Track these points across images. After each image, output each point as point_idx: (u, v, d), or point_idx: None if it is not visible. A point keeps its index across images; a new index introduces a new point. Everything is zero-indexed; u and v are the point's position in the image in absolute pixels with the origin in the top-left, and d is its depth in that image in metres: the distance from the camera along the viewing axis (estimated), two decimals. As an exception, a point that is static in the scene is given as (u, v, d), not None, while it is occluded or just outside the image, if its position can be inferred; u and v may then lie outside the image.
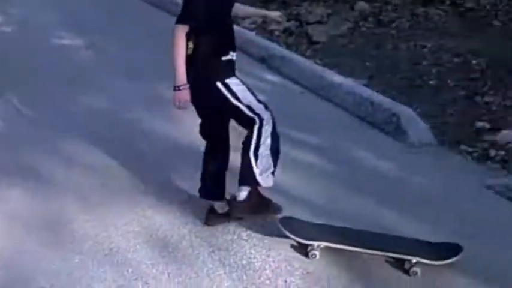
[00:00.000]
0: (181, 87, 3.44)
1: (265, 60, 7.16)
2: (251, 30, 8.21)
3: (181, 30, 3.38)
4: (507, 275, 3.35)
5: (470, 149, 4.82)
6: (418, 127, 5.14)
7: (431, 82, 6.19)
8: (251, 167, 3.51)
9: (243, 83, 3.59)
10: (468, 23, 7.37)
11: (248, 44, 7.59)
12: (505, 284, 3.30)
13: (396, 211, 3.94)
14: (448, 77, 6.22)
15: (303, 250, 3.54)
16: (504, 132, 4.98)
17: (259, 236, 3.73)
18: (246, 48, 7.57)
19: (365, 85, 6.12)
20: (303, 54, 7.23)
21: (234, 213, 3.75)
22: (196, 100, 3.54)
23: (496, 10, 7.70)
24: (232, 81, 3.52)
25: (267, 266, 3.45)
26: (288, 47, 7.56)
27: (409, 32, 7.57)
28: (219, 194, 3.83)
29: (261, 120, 3.49)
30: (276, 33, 8.04)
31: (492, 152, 4.74)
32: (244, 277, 3.36)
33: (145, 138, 5.14)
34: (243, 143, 3.56)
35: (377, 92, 5.83)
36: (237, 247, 3.63)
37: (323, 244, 3.47)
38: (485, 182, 4.27)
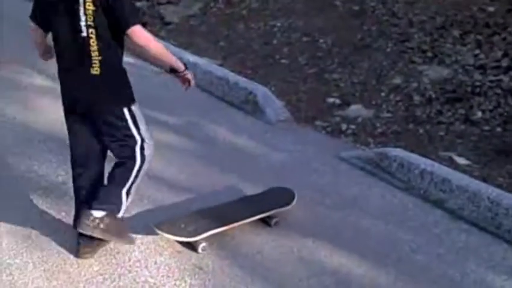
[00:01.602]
0: (185, 70, 3.30)
1: (119, 41, 7.02)
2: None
3: (142, 29, 3.05)
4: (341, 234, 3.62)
5: (324, 124, 5.09)
6: (274, 105, 5.33)
7: (282, 61, 6.41)
8: (121, 201, 3.26)
9: None
10: (313, 2, 7.67)
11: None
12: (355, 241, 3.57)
13: (257, 185, 4.06)
14: (298, 55, 6.47)
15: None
16: (353, 107, 5.31)
17: (125, 219, 3.69)
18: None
19: (220, 65, 6.22)
20: (156, 35, 7.15)
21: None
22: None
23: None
24: (135, 108, 3.27)
25: (135, 248, 3.43)
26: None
27: (258, 12, 7.76)
28: None
29: (143, 157, 3.28)
30: (128, 13, 7.91)
31: (344, 126, 5.03)
32: (113, 260, 3.33)
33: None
34: (114, 174, 3.28)
35: (232, 71, 5.95)
36: (104, 231, 3.58)
37: (208, 234, 3.43)
38: (339, 154, 4.53)
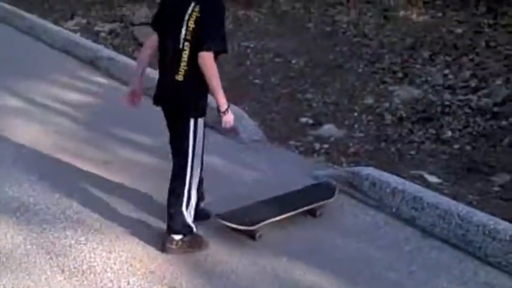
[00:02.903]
0: (227, 111, 3.45)
1: (93, 62, 7.03)
2: (75, 31, 7.99)
3: (211, 57, 3.33)
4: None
5: (297, 144, 5.13)
6: (247, 125, 5.35)
7: (256, 81, 6.46)
8: (184, 219, 3.56)
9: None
10: (285, 24, 7.77)
11: (74, 46, 7.42)
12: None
13: (230, 203, 4.03)
14: (271, 75, 6.53)
15: (141, 249, 3.56)
16: (326, 126, 5.36)
17: (97, 239, 3.68)
18: (73, 50, 7.40)
19: (193, 85, 6.22)
20: (130, 56, 7.19)
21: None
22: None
23: (309, 13, 8.19)
24: (201, 123, 3.51)
25: (108, 269, 3.42)
26: (115, 48, 7.48)
27: (232, 34, 7.82)
28: None
29: (192, 172, 3.54)
30: (102, 34, 7.91)
31: (317, 146, 5.08)
32: (85, 282, 3.30)
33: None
34: (173, 193, 3.58)
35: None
36: (76, 252, 3.55)
37: (265, 223, 3.72)
38: (312, 173, 4.56)
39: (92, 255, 3.53)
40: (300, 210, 3.94)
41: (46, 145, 4.89)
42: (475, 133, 5.05)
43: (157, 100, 3.64)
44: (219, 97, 3.40)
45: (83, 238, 3.68)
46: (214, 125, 5.38)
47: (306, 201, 4.01)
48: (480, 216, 3.72)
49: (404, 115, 5.43)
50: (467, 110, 5.33)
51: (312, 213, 4.01)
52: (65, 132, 5.22)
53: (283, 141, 5.21)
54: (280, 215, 3.82)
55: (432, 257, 3.64)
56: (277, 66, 6.77)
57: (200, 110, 3.50)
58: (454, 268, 3.54)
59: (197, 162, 3.57)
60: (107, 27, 7.80)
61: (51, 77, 6.60)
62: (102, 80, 6.64)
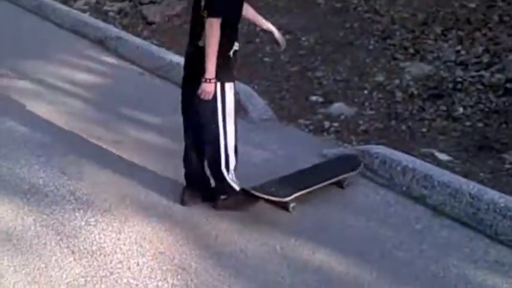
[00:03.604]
0: (211, 80, 3.47)
1: (102, 42, 7.00)
2: (84, 11, 7.96)
3: (217, 23, 3.39)
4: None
5: (307, 122, 5.09)
6: (257, 104, 5.32)
7: (265, 59, 6.41)
8: (226, 181, 3.73)
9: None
10: (295, 1, 7.68)
11: (83, 25, 7.41)
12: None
13: (244, 184, 4.06)
14: (280, 53, 6.46)
15: (151, 230, 3.58)
16: (336, 105, 5.32)
17: (107, 220, 3.69)
18: (82, 29, 7.39)
19: (203, 64, 6.19)
20: (139, 35, 7.17)
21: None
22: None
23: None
24: (228, 87, 3.59)
25: (117, 250, 3.43)
26: (124, 28, 7.45)
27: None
28: None
29: (226, 135, 3.64)
30: (111, 14, 7.88)
31: (326, 124, 5.04)
32: (95, 262, 3.31)
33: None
34: (211, 157, 3.72)
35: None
36: (86, 233, 3.57)
37: (297, 195, 3.79)
38: (322, 152, 4.54)
39: (102, 236, 3.54)
40: (329, 181, 4.01)
41: (56, 126, 4.89)
42: (487, 110, 4.98)
43: (184, 67, 3.74)
44: (208, 64, 3.43)
45: (92, 219, 3.69)
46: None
47: (334, 173, 4.08)
48: (491, 194, 3.68)
49: (415, 92, 5.37)
50: (480, 87, 5.26)
51: (339, 184, 4.08)
52: (74, 112, 5.22)
53: (292, 119, 5.17)
54: (311, 186, 3.90)
55: (443, 236, 3.62)
56: (287, 43, 6.62)
57: (223, 73, 3.52)
58: (464, 246, 3.51)
59: (230, 127, 3.65)
60: (116, 6, 7.76)
61: (60, 57, 6.59)
62: (111, 59, 6.62)
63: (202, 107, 3.58)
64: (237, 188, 3.75)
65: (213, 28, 3.37)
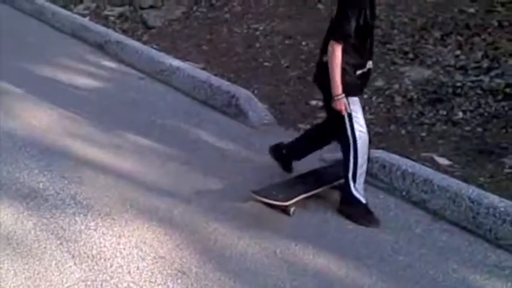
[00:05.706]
0: (339, 97, 3.62)
1: (102, 46, 7.02)
2: (84, 16, 7.98)
3: (339, 47, 3.55)
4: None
5: (307, 127, 5.08)
6: (257, 108, 5.33)
7: (265, 64, 6.42)
8: (351, 192, 3.79)
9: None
10: (295, 6, 7.69)
11: (83, 30, 7.42)
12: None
13: (241, 188, 4.07)
14: (281, 58, 6.48)
15: (151, 234, 3.58)
16: (335, 109, 5.31)
17: (107, 224, 3.70)
18: (82, 34, 7.40)
19: (203, 69, 6.22)
20: (139, 40, 7.18)
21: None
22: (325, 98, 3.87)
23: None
24: (352, 101, 3.70)
25: (117, 254, 3.43)
26: (124, 32, 7.46)
27: (241, 16, 7.77)
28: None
29: (355, 145, 3.72)
30: (111, 18, 7.90)
31: (326, 128, 5.03)
32: (96, 267, 3.32)
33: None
34: (344, 166, 3.81)
35: (215, 75, 5.95)
36: (86, 237, 3.57)
37: (298, 199, 3.86)
38: (322, 157, 4.54)
39: (102, 240, 3.55)
40: (331, 185, 4.06)
41: (55, 130, 4.90)
42: (486, 114, 4.99)
43: (314, 79, 3.99)
44: (331, 84, 3.61)
45: (92, 223, 3.70)
46: (224, 109, 5.40)
47: (334, 177, 4.09)
48: (491, 199, 3.69)
49: (415, 97, 5.37)
50: (479, 91, 5.27)
51: (339, 189, 4.05)
52: (74, 116, 5.22)
53: (292, 124, 5.18)
54: (311, 190, 3.95)
55: (442, 240, 3.63)
56: (287, 48, 6.71)
57: (346, 88, 3.63)
58: (464, 251, 3.52)
59: (361, 141, 3.73)
60: (116, 11, 7.77)
61: (61, 61, 6.60)
62: (111, 64, 6.63)
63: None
64: (363, 200, 3.81)
65: (333, 50, 3.56)
